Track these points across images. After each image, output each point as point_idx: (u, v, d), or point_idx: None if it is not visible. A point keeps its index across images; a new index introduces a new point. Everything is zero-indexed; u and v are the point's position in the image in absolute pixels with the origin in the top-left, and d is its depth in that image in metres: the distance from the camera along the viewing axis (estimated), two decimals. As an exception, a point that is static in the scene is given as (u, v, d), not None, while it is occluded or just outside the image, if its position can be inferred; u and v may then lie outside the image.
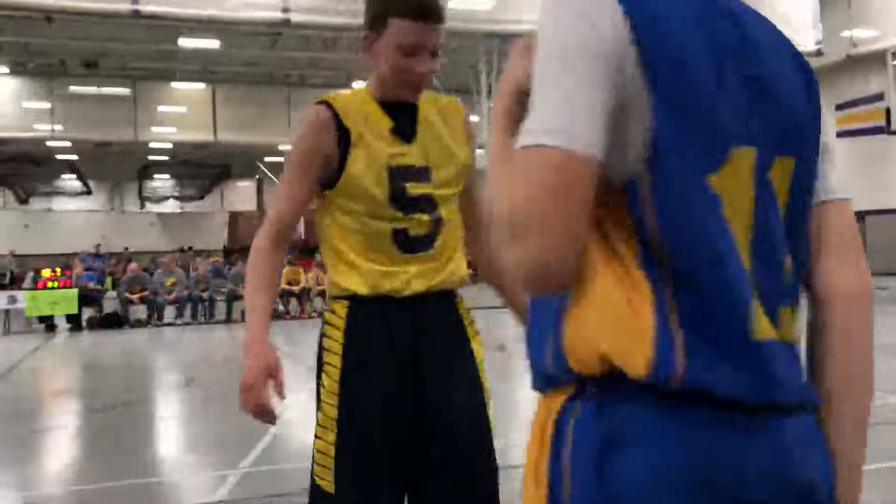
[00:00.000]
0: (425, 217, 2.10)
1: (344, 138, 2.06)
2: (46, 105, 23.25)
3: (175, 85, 25.70)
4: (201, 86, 26.08)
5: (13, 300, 16.06)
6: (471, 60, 19.73)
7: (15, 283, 21.14)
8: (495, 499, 2.12)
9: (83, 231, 33.07)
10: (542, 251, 0.89)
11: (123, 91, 23.85)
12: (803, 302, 1.09)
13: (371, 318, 2.06)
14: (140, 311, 16.46)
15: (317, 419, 2.07)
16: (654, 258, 0.94)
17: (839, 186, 1.12)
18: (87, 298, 16.51)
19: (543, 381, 1.03)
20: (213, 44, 20.52)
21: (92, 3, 14.39)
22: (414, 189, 2.09)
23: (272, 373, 1.90)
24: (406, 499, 2.09)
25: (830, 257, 1.09)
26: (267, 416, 1.91)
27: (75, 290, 16.20)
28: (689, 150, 0.95)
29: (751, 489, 0.93)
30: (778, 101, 1.03)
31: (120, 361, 11.65)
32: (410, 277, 2.07)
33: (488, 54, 19.19)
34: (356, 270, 2.08)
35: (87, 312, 16.47)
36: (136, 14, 14.80)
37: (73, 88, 23.34)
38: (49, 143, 24.73)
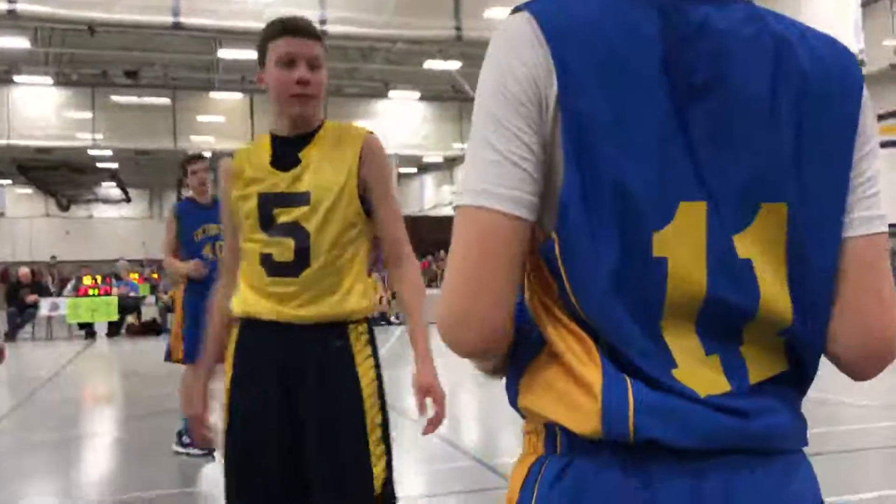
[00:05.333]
0: (291, 243, 2.19)
1: (236, 181, 2.29)
2: (88, 115, 23.62)
3: (213, 95, 26.00)
4: (239, 95, 26.36)
5: (55, 307, 16.34)
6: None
7: (54, 290, 21.47)
8: None
9: (123, 238, 33.56)
10: (459, 312, 0.90)
11: (163, 101, 24.17)
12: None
13: (250, 339, 2.25)
14: (178, 319, 16.60)
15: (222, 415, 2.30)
16: (585, 322, 0.92)
17: (860, 220, 0.96)
18: (127, 306, 16.73)
19: (520, 414, 1.01)
20: (251, 54, 20.69)
21: (134, 15, 14.61)
22: (282, 215, 2.21)
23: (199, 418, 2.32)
24: None
25: (836, 317, 0.97)
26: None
27: (115, 298, 16.44)
28: (611, 208, 0.88)
29: None
30: (760, 139, 0.91)
31: (159, 369, 11.77)
32: (276, 303, 2.20)
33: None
34: (240, 293, 2.27)
35: (127, 319, 16.69)
36: (177, 26, 15.00)
37: (114, 98, 23.71)
38: (90, 152, 25.12)
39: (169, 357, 5.72)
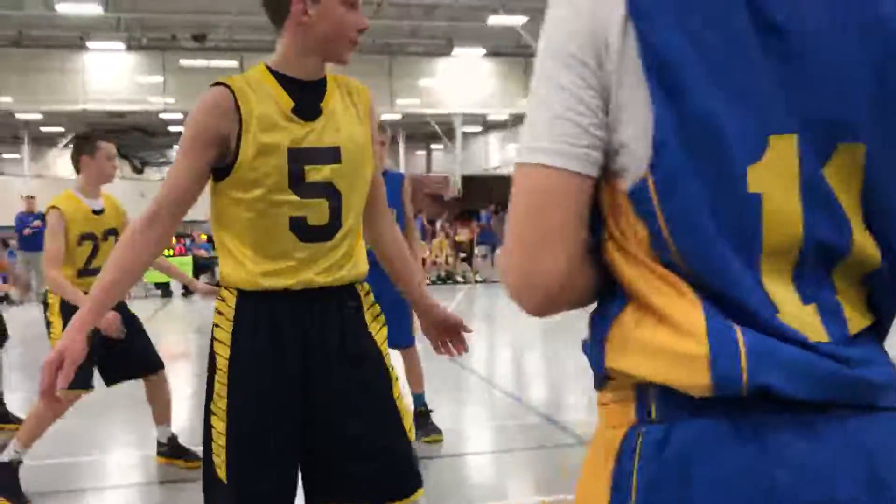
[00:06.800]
0: (324, 204, 1.99)
1: (240, 121, 1.95)
2: (159, 79, 24.09)
3: (280, 56, 26.21)
4: (305, 56, 26.51)
5: (132, 267, 16.86)
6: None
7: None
8: (413, 476, 2.13)
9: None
10: (522, 271, 0.89)
11: (231, 63, 24.44)
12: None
13: (258, 312, 2.01)
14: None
15: (208, 407, 2.07)
16: (677, 266, 0.88)
17: None
18: (201, 265, 17.19)
19: (599, 382, 0.96)
20: (315, 14, 20.82)
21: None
22: (314, 173, 1.98)
23: (63, 361, 1.81)
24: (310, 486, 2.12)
25: None
26: (44, 397, 1.81)
27: (190, 258, 16.91)
28: (705, 144, 0.85)
29: (823, 491, 0.83)
30: (837, 76, 0.87)
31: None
32: (304, 271, 1.99)
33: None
34: (243, 266, 2.00)
35: (201, 279, 17.13)
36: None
37: (183, 62, 24.09)
38: (161, 116, 25.65)
39: None
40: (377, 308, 2.16)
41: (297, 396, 2.03)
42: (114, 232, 4.41)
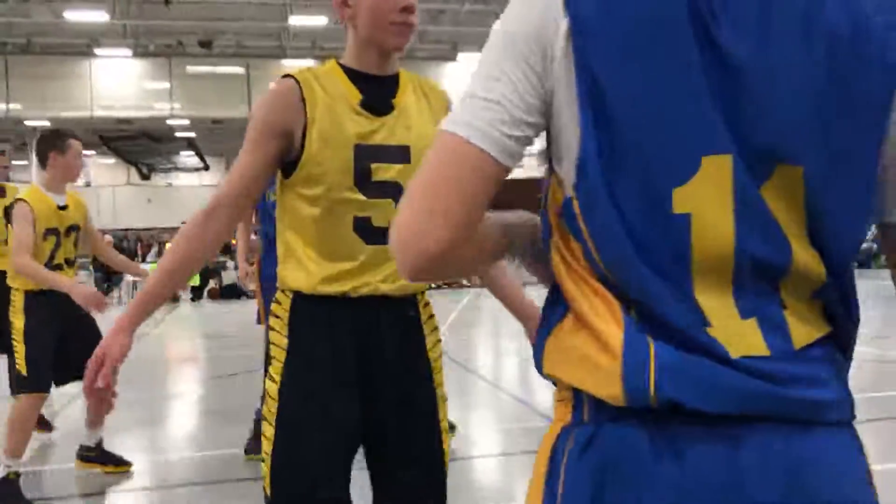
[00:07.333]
0: (391, 205, 1.87)
1: (305, 113, 1.85)
2: (166, 85, 24.16)
3: (286, 62, 26.26)
4: (311, 62, 26.57)
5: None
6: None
7: (137, 256, 22.19)
8: (442, 495, 2.03)
9: (202, 204, 34.34)
10: (410, 231, 0.91)
11: (237, 70, 24.53)
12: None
13: (314, 319, 1.91)
14: (256, 283, 17.02)
15: (263, 413, 1.97)
16: (608, 279, 0.90)
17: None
18: (209, 270, 17.24)
19: (552, 381, 0.99)
20: (321, 21, 20.84)
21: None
22: (382, 172, 1.88)
23: (106, 360, 1.78)
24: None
25: None
26: (92, 396, 1.78)
27: (196, 263, 16.97)
28: (628, 167, 0.86)
29: (731, 498, 0.85)
30: (779, 93, 0.86)
31: (240, 331, 12.12)
32: (366, 275, 1.89)
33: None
34: (303, 268, 1.90)
35: (209, 284, 17.18)
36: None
37: (189, 68, 24.17)
38: (168, 122, 25.72)
39: (259, 321, 5.87)
40: (435, 321, 2.07)
41: (353, 408, 1.92)
42: (76, 228, 4.39)
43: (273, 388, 1.92)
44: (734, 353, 0.87)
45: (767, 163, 0.88)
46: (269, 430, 1.91)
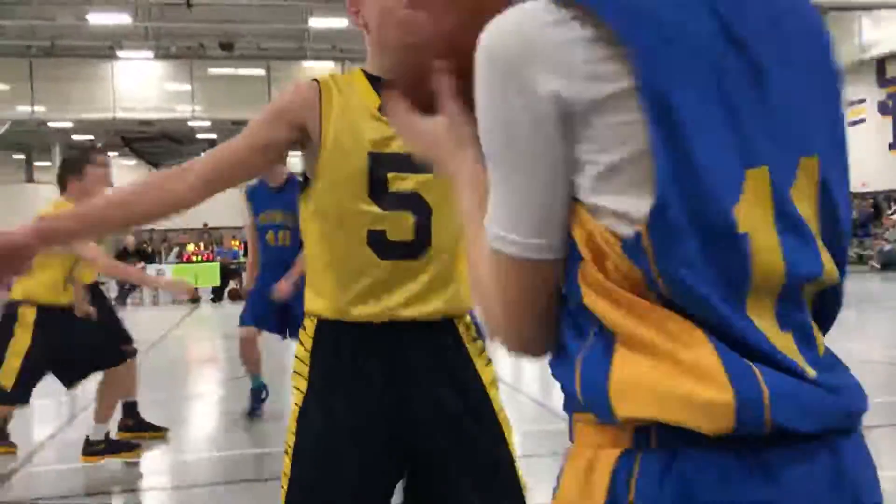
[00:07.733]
0: (409, 218, 1.76)
1: (320, 115, 1.77)
2: (187, 87, 24.33)
3: (306, 64, 26.38)
4: (331, 64, 26.66)
5: (161, 273, 17.06)
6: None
7: (155, 257, 22.34)
8: None
9: (222, 206, 34.52)
10: (512, 345, 0.97)
11: (258, 71, 24.66)
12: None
13: (337, 347, 1.79)
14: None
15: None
16: (677, 306, 0.85)
17: None
18: (229, 272, 17.33)
19: (576, 407, 0.94)
20: (341, 22, 20.91)
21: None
22: (399, 182, 1.76)
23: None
24: None
25: None
26: None
27: (217, 264, 17.05)
28: (698, 192, 0.82)
29: None
30: (784, 90, 0.87)
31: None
32: (384, 296, 1.75)
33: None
34: (320, 291, 1.80)
35: (229, 285, 17.27)
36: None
37: (211, 70, 24.33)
38: (190, 123, 25.90)
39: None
40: (481, 343, 1.89)
41: (379, 450, 1.79)
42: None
43: (293, 419, 1.82)
44: (809, 372, 0.86)
45: (793, 157, 0.88)
46: (286, 462, 1.81)
